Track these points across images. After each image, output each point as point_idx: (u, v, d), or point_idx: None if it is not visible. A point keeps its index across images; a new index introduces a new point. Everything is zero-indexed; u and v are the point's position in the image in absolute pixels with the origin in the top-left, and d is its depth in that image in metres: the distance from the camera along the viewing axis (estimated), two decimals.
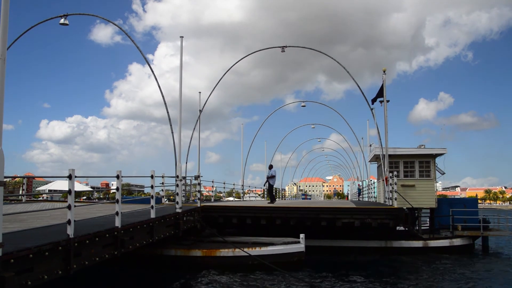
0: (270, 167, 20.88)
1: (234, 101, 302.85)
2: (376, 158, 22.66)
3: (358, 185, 44.67)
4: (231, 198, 53.69)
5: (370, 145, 29.65)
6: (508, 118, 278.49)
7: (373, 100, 20.54)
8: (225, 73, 25.09)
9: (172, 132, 19.10)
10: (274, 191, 21.46)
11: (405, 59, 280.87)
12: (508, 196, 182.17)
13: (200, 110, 25.26)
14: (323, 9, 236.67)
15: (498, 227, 21.15)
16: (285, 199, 42.98)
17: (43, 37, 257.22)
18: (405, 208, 17.21)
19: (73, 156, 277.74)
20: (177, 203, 13.93)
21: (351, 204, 20.05)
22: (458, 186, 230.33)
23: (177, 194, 14.21)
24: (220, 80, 25.11)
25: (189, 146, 25.13)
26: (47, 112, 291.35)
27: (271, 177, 20.39)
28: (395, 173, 17.48)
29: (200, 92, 26.24)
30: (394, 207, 15.82)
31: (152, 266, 13.28)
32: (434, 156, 19.98)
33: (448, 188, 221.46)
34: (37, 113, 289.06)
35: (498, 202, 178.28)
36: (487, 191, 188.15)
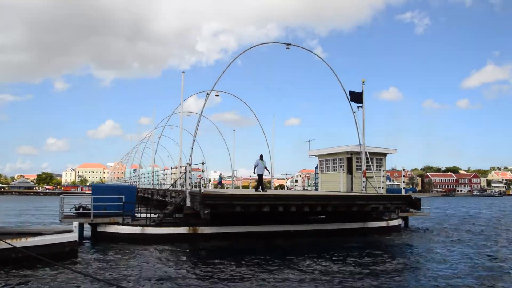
0: None
1: None
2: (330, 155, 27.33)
3: (220, 173, 49.38)
4: None
5: (309, 141, 34.21)
6: None
7: (351, 99, 22.86)
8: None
9: None
10: None
11: (176, 57, 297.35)
12: None
13: None
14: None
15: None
16: None
17: None
18: None
19: None
20: None
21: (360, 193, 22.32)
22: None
23: None
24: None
25: None
26: None
27: None
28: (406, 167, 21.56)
29: None
30: (407, 195, 19.55)
31: None
32: (385, 154, 25.93)
33: None
34: None
35: None
36: None
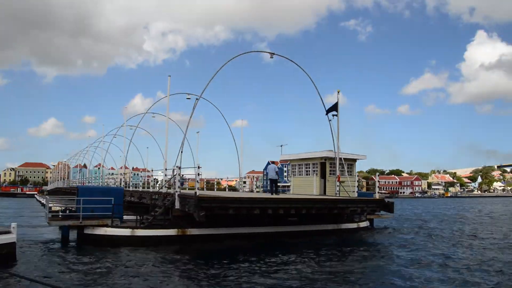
0: None
1: None
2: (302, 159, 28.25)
3: (182, 175, 47.44)
4: None
5: (281, 146, 39.02)
6: None
7: (328, 111, 24.33)
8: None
9: None
10: None
11: (123, 55, 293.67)
12: None
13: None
14: None
15: None
16: None
17: None
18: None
19: None
20: None
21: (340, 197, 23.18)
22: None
23: None
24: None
25: None
26: None
27: None
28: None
29: None
30: (381, 199, 20.85)
31: None
32: (355, 160, 27.26)
33: None
34: None
35: None
36: None
